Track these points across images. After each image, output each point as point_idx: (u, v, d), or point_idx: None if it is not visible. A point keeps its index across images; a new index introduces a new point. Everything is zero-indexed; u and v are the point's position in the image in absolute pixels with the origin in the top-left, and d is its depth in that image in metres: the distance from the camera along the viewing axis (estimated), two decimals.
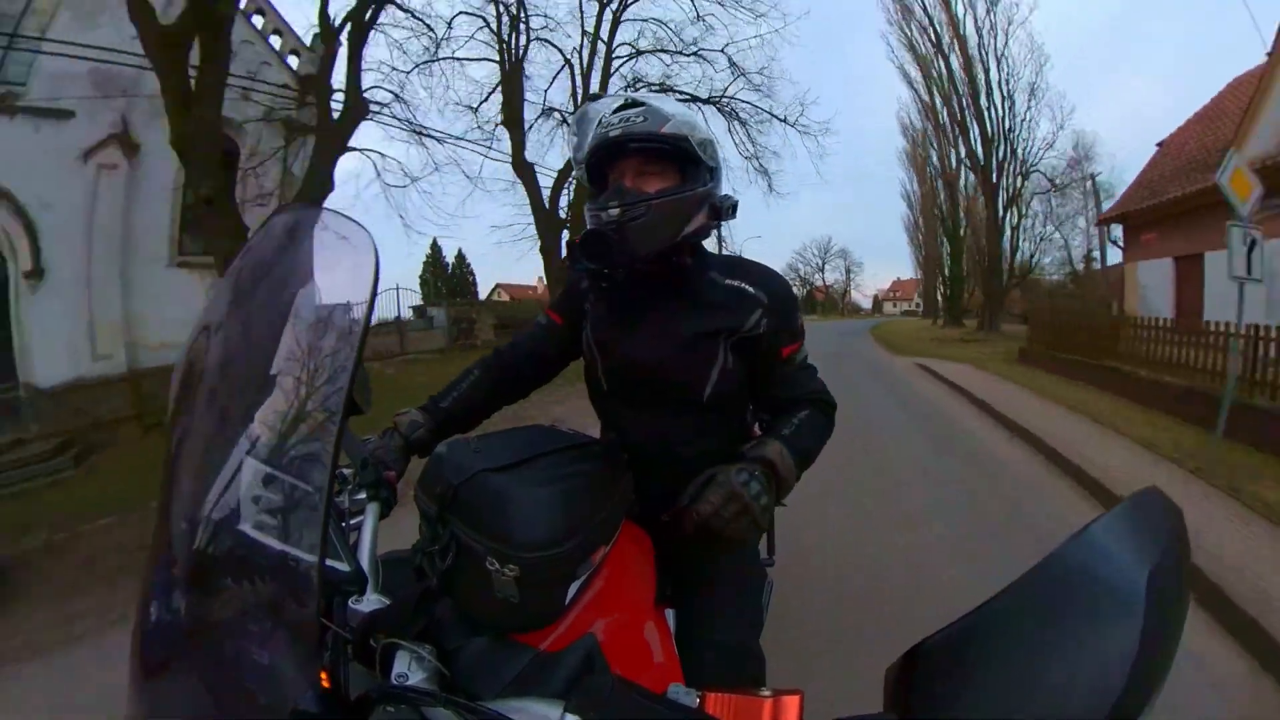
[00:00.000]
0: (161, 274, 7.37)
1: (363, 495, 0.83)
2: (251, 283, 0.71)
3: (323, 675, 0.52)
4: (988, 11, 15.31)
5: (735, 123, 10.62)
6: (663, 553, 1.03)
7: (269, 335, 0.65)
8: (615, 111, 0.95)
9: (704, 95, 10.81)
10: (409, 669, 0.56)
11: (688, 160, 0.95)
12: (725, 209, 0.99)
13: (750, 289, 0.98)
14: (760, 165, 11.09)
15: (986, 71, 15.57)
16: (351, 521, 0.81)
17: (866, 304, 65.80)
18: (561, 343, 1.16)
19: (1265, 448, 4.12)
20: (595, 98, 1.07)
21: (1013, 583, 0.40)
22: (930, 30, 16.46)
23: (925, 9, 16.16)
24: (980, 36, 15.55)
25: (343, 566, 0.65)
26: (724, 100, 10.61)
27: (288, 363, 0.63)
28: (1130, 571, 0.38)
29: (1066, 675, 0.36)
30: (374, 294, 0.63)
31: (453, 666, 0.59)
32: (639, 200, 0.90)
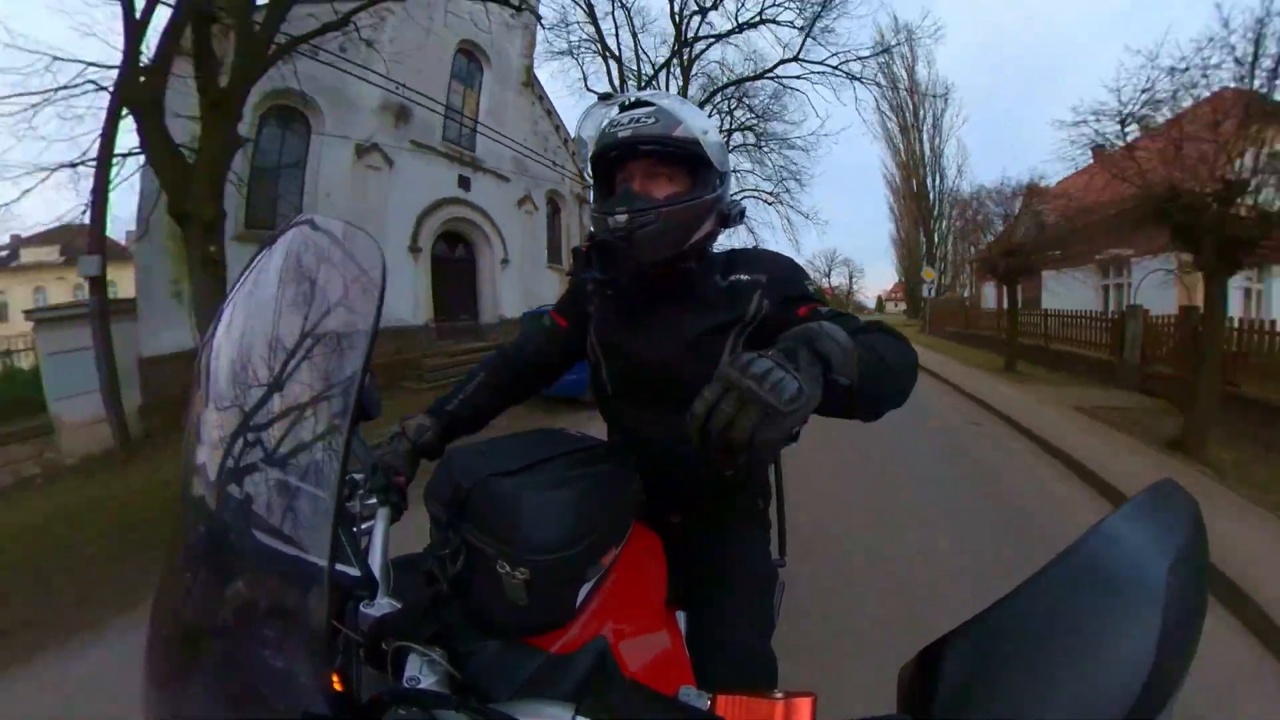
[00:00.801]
0: (543, 270, 14.85)
1: (373, 500, 0.84)
2: (262, 291, 0.72)
3: (335, 679, 0.52)
4: (937, 121, 24.41)
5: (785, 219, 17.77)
6: (673, 554, 1.02)
7: (279, 343, 0.66)
8: (624, 110, 0.92)
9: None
10: (420, 672, 0.56)
11: (699, 163, 0.92)
12: (733, 215, 0.98)
13: (745, 276, 0.96)
14: (795, 240, 18.04)
15: (933, 159, 24.73)
16: (363, 526, 0.81)
17: (871, 303, 69.49)
18: (565, 345, 1.15)
19: (973, 346, 13.32)
20: (607, 97, 1.02)
21: (1027, 580, 0.39)
22: (903, 115, 25.32)
23: (903, 102, 24.67)
24: (931, 133, 24.80)
25: (354, 571, 0.65)
26: (779, 197, 17.69)
27: (298, 370, 0.64)
28: (1148, 567, 0.37)
29: (1084, 674, 0.35)
30: (381, 301, 0.64)
31: (464, 669, 0.59)
32: (648, 208, 0.88)
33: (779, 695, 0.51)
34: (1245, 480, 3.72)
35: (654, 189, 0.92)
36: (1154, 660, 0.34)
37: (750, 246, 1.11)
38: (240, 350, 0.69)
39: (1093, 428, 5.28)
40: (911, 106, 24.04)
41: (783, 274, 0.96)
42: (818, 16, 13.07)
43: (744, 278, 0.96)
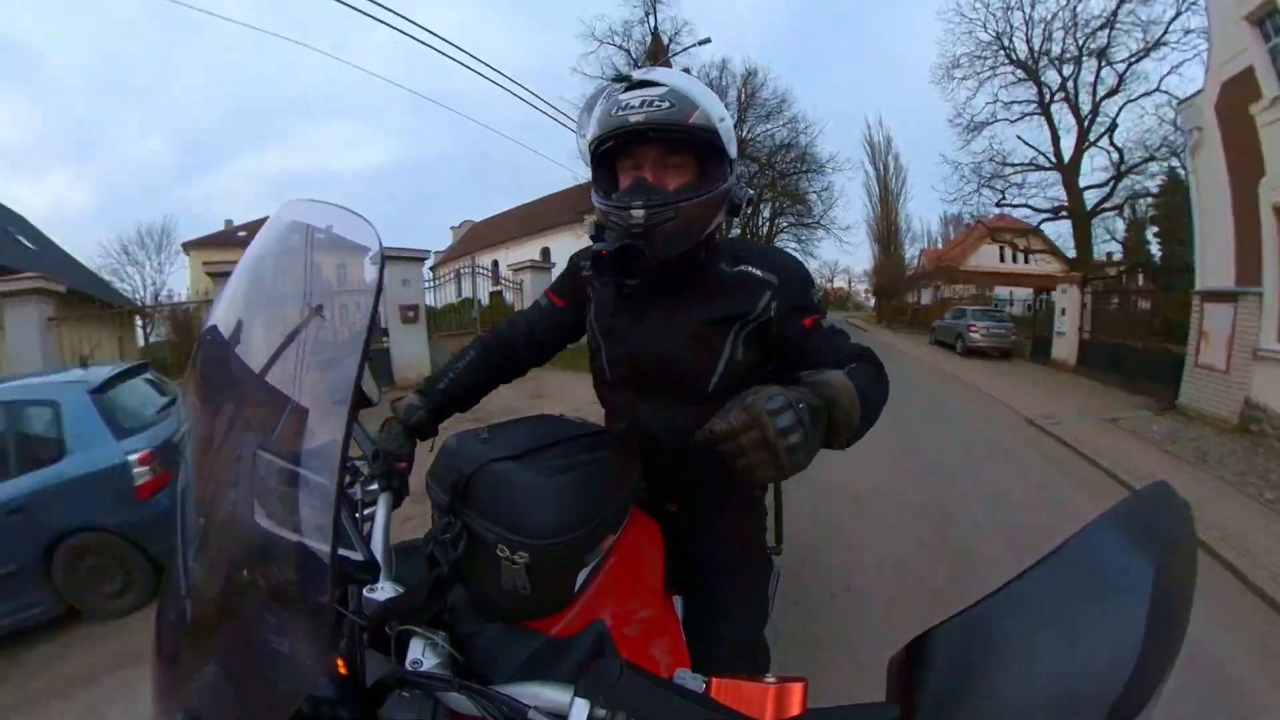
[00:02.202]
0: None
1: (375, 486, 0.84)
2: (259, 278, 0.72)
3: (339, 662, 0.53)
4: (902, 185, 34.03)
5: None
6: (670, 540, 1.04)
7: (277, 330, 0.66)
8: (631, 88, 0.85)
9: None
10: (423, 655, 0.58)
11: (711, 151, 0.87)
12: (742, 204, 0.94)
13: (758, 272, 0.93)
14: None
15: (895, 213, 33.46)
16: (365, 512, 0.82)
17: (871, 303, 75.17)
18: (560, 325, 1.13)
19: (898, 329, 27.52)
20: (625, 79, 0.89)
21: (1018, 575, 0.40)
22: (881, 174, 33.85)
23: (883, 161, 33.15)
24: (896, 191, 34.13)
25: (357, 556, 0.66)
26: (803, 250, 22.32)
27: (296, 357, 0.64)
28: (1137, 564, 0.37)
29: (1071, 667, 0.35)
30: (379, 286, 0.63)
31: (465, 652, 0.60)
32: (666, 203, 0.84)
33: (771, 680, 0.52)
34: (896, 331, 24.07)
35: (665, 179, 0.87)
36: (1139, 656, 0.34)
37: (758, 243, 1.09)
38: (239, 337, 0.68)
39: (881, 331, 24.24)
40: (882, 178, 33.52)
41: (795, 279, 0.94)
42: None
43: (756, 272, 0.93)
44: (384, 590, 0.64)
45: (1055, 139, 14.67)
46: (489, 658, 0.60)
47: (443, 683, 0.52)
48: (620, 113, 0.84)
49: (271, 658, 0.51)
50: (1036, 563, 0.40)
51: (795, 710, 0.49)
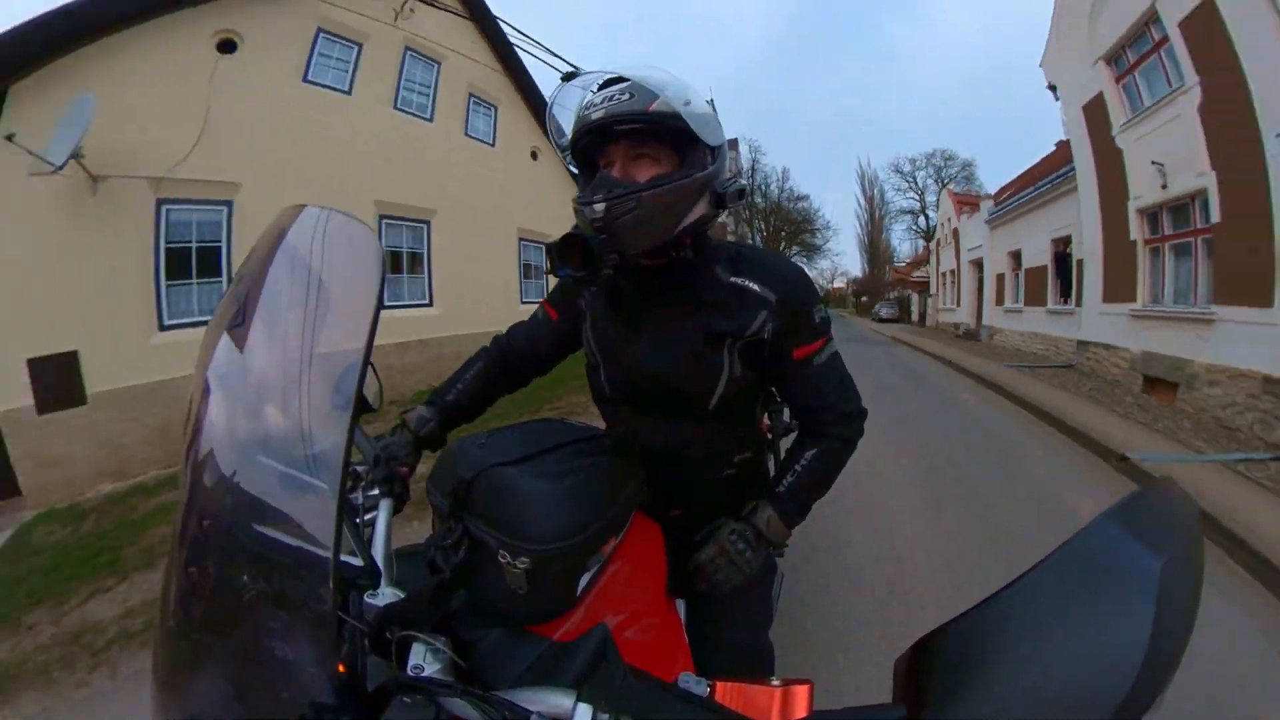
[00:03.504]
0: None
1: (376, 491, 0.84)
2: (259, 284, 0.72)
3: (340, 668, 0.53)
4: (885, 216, 46.46)
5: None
6: (673, 543, 1.03)
7: (278, 336, 0.66)
8: (598, 89, 0.83)
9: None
10: (424, 660, 0.57)
11: (684, 140, 0.82)
12: (729, 195, 0.87)
13: (755, 287, 0.88)
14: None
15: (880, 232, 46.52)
16: (366, 517, 0.82)
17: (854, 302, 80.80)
18: (557, 339, 1.12)
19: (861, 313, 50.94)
20: (572, 75, 0.89)
21: (1023, 574, 0.40)
22: (867, 199, 46.18)
23: (868, 189, 45.14)
24: (878, 223, 46.09)
25: (358, 561, 0.66)
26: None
27: (297, 363, 0.64)
28: (1143, 562, 0.37)
29: (1077, 666, 0.35)
30: (380, 292, 0.63)
31: (468, 657, 0.60)
32: (627, 193, 0.78)
33: (777, 683, 0.52)
34: (862, 316, 42.53)
35: (636, 172, 0.82)
36: (1146, 654, 0.34)
37: (761, 248, 1.04)
38: (240, 343, 0.68)
39: (854, 317, 42.80)
40: (869, 209, 44.79)
41: (793, 297, 0.89)
42: None
43: (754, 287, 0.88)
44: (385, 595, 0.63)
45: (928, 223, 33.79)
46: (491, 663, 0.59)
47: (445, 688, 0.52)
48: (585, 112, 0.82)
49: (273, 664, 0.51)
50: (1041, 561, 0.39)
51: (801, 712, 0.49)
